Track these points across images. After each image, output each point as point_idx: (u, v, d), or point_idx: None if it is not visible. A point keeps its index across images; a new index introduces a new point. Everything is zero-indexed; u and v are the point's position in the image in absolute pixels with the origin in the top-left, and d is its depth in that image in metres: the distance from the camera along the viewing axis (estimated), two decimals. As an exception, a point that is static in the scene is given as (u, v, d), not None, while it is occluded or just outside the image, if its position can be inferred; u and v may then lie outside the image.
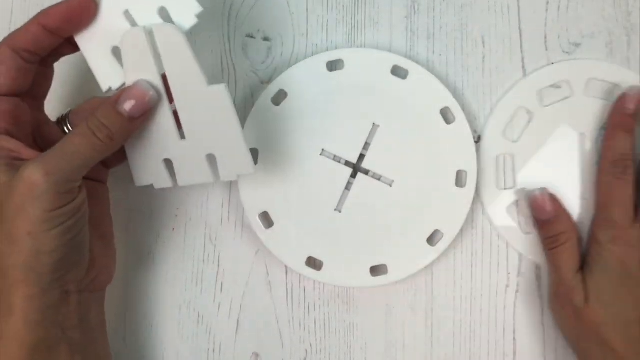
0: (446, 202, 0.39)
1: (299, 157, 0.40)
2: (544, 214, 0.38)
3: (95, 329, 0.35)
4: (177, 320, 0.41)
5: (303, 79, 0.40)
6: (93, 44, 0.34)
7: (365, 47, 0.42)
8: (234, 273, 0.41)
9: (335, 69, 0.41)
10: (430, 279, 0.40)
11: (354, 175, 0.40)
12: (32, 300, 0.30)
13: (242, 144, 0.33)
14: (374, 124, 0.40)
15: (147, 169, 0.34)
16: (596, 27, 0.41)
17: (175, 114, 0.33)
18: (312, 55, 0.41)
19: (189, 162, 0.34)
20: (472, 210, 0.40)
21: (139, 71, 0.32)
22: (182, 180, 0.35)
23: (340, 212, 0.39)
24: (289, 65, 0.41)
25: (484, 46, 0.42)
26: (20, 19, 0.43)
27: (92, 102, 0.37)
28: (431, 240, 0.39)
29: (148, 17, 0.33)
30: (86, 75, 0.42)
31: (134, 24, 0.33)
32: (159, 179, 0.35)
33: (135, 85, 0.32)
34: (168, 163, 0.35)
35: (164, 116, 0.33)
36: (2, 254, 0.30)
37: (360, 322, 0.40)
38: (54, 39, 0.33)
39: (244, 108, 0.42)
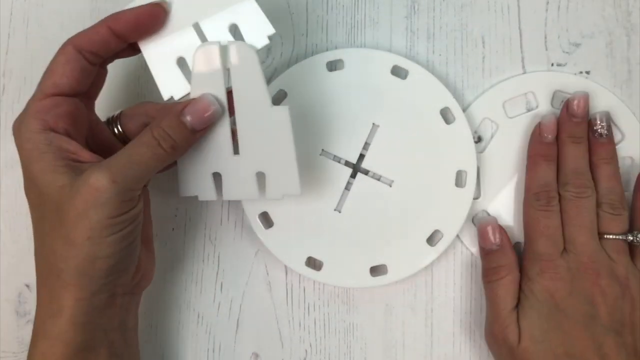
0: (446, 202, 0.39)
1: (298, 157, 0.40)
2: (488, 244, 0.38)
3: (131, 331, 0.35)
4: (177, 320, 0.41)
5: (303, 79, 0.40)
6: (158, 52, 0.34)
7: (365, 47, 0.42)
8: (233, 273, 0.41)
9: (335, 69, 0.41)
10: (430, 279, 0.40)
11: (353, 175, 0.40)
12: (81, 302, 0.31)
13: (293, 165, 0.34)
14: (373, 124, 0.40)
15: (195, 180, 0.35)
16: (596, 27, 0.41)
17: (232, 129, 0.34)
18: (312, 55, 0.41)
19: (238, 178, 0.34)
20: (472, 210, 0.40)
21: (206, 84, 0.33)
22: (227, 194, 0.35)
23: (340, 212, 0.39)
24: (288, 65, 0.41)
25: (484, 46, 0.42)
26: (20, 19, 0.43)
27: (146, 106, 0.37)
28: (431, 240, 0.39)
29: (218, 33, 0.33)
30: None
31: (202, 37, 0.33)
32: (205, 191, 0.35)
33: (202, 98, 0.32)
34: (216, 176, 0.35)
35: (222, 130, 0.33)
36: (59, 256, 0.30)
37: (360, 322, 0.40)
38: (120, 43, 0.33)
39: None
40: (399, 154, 0.39)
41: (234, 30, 0.33)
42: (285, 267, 0.41)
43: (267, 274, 0.41)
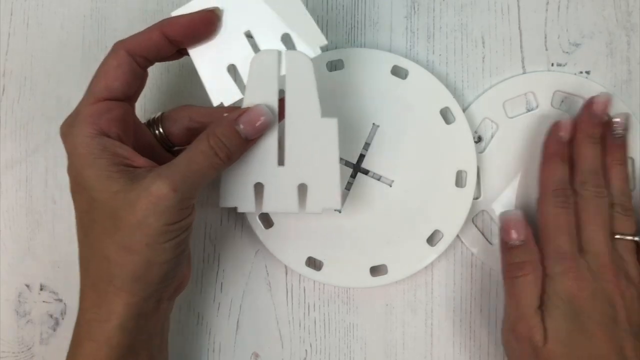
0: (446, 202, 0.39)
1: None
2: (512, 239, 0.36)
3: (166, 334, 0.36)
4: (177, 320, 0.41)
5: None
6: (208, 58, 0.34)
7: (365, 47, 0.42)
8: (233, 273, 0.41)
9: (335, 69, 0.41)
10: (430, 279, 0.40)
11: (354, 175, 0.40)
12: (132, 308, 0.31)
13: (336, 178, 0.34)
14: (373, 124, 0.40)
15: (236, 191, 0.34)
16: (596, 27, 0.41)
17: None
18: (312, 55, 0.41)
19: (280, 189, 0.34)
20: (472, 210, 0.40)
21: (260, 92, 0.33)
22: (267, 206, 0.34)
23: (340, 212, 0.39)
24: (289, 65, 0.41)
25: (484, 46, 0.42)
26: (20, 19, 0.43)
27: (189, 110, 0.36)
28: (431, 240, 0.39)
29: (270, 42, 0.33)
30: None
31: (254, 45, 0.33)
32: (245, 202, 0.34)
33: (257, 107, 0.32)
34: (257, 187, 0.34)
35: (270, 140, 0.33)
36: (113, 262, 0.30)
37: (360, 322, 0.40)
38: (171, 49, 0.33)
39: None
40: (399, 154, 0.39)
41: (286, 39, 0.33)
42: (285, 267, 0.41)
43: (267, 274, 0.41)
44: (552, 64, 0.41)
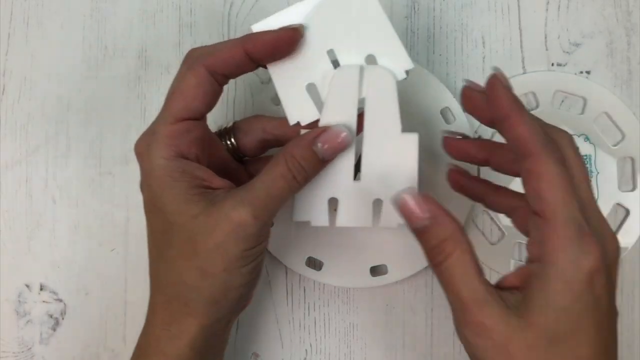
0: (446, 202, 0.39)
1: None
2: (417, 220, 0.28)
3: (224, 350, 0.36)
4: (177, 320, 0.41)
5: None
6: (288, 76, 0.33)
7: (365, 47, 0.42)
8: (234, 273, 0.41)
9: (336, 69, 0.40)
10: (430, 279, 0.40)
11: (353, 176, 0.40)
12: (204, 329, 0.31)
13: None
14: (374, 124, 0.40)
15: (310, 204, 0.33)
16: (596, 27, 0.41)
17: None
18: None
19: (355, 204, 0.33)
20: (472, 210, 0.40)
21: (340, 108, 0.32)
22: (341, 220, 0.33)
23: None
24: (289, 65, 0.41)
25: (484, 46, 0.41)
26: (20, 19, 0.43)
27: (262, 121, 0.36)
28: (431, 240, 0.39)
29: (353, 61, 0.32)
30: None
31: (336, 65, 0.32)
32: (318, 216, 0.34)
33: (334, 128, 0.31)
34: (332, 201, 0.34)
35: (347, 156, 0.32)
36: (190, 286, 0.30)
37: (360, 322, 0.40)
38: (252, 66, 0.32)
39: (244, 108, 0.42)
40: (399, 154, 0.39)
41: (370, 60, 0.32)
42: (285, 267, 0.41)
43: (267, 274, 0.41)
44: (552, 64, 0.41)
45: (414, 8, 0.42)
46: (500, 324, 0.26)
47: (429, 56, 0.42)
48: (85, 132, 0.42)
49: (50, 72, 0.42)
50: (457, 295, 0.28)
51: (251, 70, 0.32)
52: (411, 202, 0.29)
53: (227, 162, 0.35)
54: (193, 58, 0.31)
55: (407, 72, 0.32)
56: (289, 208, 0.39)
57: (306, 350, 0.40)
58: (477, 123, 0.41)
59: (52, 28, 0.43)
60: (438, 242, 0.28)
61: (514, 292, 0.27)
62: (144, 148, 0.31)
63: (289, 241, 0.39)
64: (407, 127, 0.39)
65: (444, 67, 0.41)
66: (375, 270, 0.39)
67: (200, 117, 0.32)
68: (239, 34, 0.42)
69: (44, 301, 0.41)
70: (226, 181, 0.32)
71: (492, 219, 0.40)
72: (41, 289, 0.41)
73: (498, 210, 0.34)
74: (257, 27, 0.32)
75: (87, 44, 0.42)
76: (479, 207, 0.40)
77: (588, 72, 0.41)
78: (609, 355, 0.27)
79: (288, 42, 0.31)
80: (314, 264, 0.40)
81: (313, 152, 0.31)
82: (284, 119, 0.34)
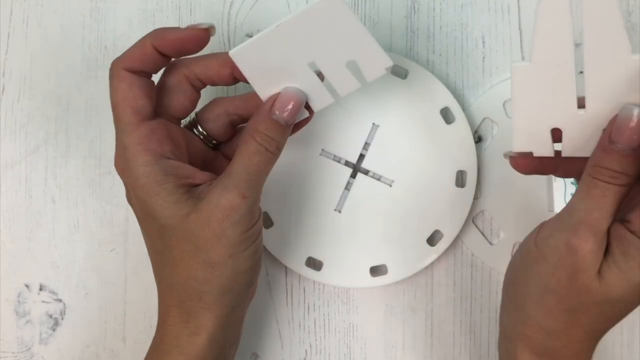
0: (446, 202, 0.39)
1: (298, 157, 0.40)
2: (628, 141, 0.28)
3: (239, 341, 0.37)
4: (177, 320, 0.41)
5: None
6: (272, 92, 0.33)
7: (365, 47, 0.42)
8: (233, 273, 0.41)
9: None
10: (430, 279, 0.40)
11: (353, 175, 0.40)
12: (221, 319, 0.32)
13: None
14: (373, 124, 0.40)
15: (531, 135, 0.32)
16: (596, 27, 0.41)
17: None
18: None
19: (581, 134, 0.31)
20: (472, 210, 0.40)
21: (553, 39, 0.30)
22: (567, 150, 0.32)
23: (340, 212, 0.39)
24: (289, 65, 0.41)
25: (484, 46, 0.41)
26: (20, 19, 0.43)
27: (223, 103, 0.35)
28: (431, 240, 0.39)
29: (335, 70, 0.32)
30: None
31: (320, 75, 0.33)
32: (542, 146, 0.32)
33: (282, 94, 0.32)
34: (554, 132, 0.32)
35: (567, 84, 0.30)
36: (200, 280, 0.31)
37: (360, 322, 0.40)
38: (164, 60, 0.33)
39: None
40: (399, 154, 0.39)
41: (352, 66, 0.32)
42: (285, 267, 0.41)
43: (267, 274, 0.41)
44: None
45: (414, 8, 0.42)
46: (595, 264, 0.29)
47: (429, 56, 0.42)
48: (85, 132, 0.42)
49: (50, 72, 0.42)
50: (589, 208, 0.29)
51: (164, 63, 0.33)
52: (635, 123, 0.28)
53: (204, 152, 0.35)
54: (112, 67, 0.32)
55: (386, 69, 0.33)
56: (286, 207, 0.39)
57: (306, 350, 0.40)
58: (477, 123, 0.41)
59: (52, 28, 0.43)
60: (621, 171, 0.28)
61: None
62: (122, 164, 0.32)
63: (289, 241, 0.39)
64: (407, 127, 0.40)
65: (444, 67, 0.41)
66: (375, 270, 0.39)
67: (154, 114, 0.32)
68: (238, 34, 0.42)
69: (43, 301, 0.41)
70: (208, 174, 0.32)
71: (492, 218, 0.40)
72: (41, 289, 0.41)
73: (571, 176, 0.35)
74: (235, 52, 0.32)
75: (87, 44, 0.42)
76: (479, 207, 0.40)
77: (588, 72, 0.41)
78: None
79: (196, 41, 0.33)
80: (314, 264, 0.40)
81: (274, 121, 0.32)
82: (243, 95, 0.34)
